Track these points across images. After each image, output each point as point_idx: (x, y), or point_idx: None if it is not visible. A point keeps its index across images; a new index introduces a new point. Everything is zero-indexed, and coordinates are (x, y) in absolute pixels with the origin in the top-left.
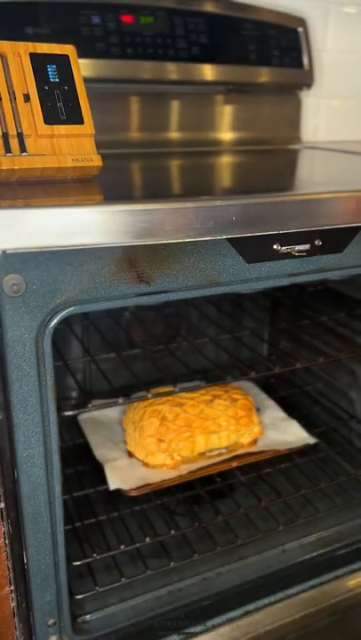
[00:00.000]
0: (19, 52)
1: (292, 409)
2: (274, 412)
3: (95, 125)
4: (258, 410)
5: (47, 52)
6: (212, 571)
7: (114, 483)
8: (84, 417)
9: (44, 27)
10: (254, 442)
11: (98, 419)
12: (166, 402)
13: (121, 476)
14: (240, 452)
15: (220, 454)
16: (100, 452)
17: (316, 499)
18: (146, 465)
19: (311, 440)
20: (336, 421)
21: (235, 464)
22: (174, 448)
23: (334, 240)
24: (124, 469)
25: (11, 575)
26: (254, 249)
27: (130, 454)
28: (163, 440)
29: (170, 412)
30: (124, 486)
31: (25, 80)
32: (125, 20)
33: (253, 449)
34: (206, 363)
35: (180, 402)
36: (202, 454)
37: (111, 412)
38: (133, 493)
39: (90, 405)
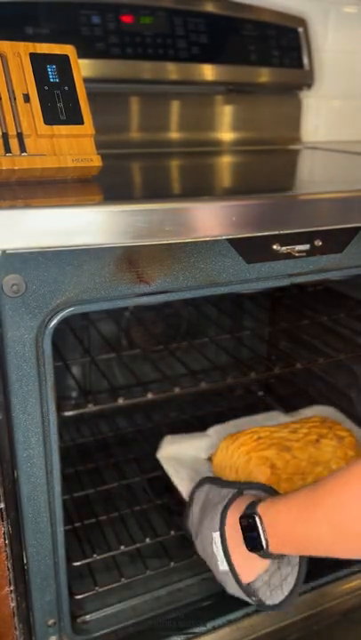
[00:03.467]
0: (19, 52)
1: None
2: None
3: (95, 125)
4: None
5: (47, 52)
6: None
7: None
8: (163, 455)
9: (44, 27)
10: None
11: (179, 458)
12: (271, 446)
13: None
14: None
15: None
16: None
17: None
18: None
19: None
20: None
21: None
22: None
23: (334, 240)
24: None
25: (10, 575)
26: (254, 249)
27: None
28: None
29: (279, 458)
30: None
31: (25, 80)
32: (125, 20)
33: None
34: (206, 363)
35: (286, 445)
36: None
37: (188, 450)
38: None
39: (89, 405)
